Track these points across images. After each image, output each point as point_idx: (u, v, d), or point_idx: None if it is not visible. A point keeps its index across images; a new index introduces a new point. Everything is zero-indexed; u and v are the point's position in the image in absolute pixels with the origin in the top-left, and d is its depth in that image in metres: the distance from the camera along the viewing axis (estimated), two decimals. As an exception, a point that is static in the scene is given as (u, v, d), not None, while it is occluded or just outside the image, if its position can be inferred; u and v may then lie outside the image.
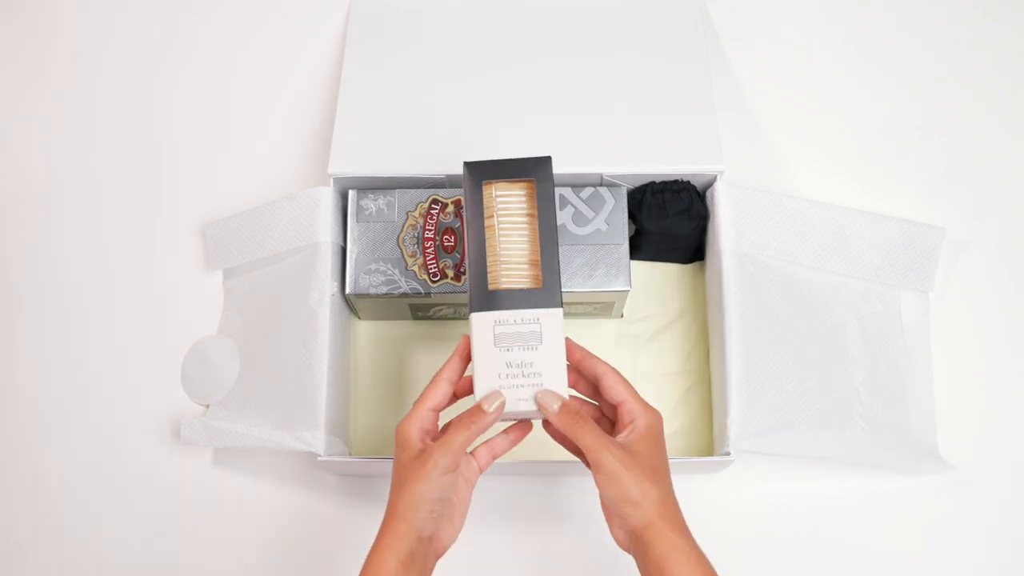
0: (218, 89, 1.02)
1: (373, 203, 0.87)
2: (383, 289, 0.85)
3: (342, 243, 0.88)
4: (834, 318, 0.88)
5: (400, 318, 0.92)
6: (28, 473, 0.91)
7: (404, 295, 0.85)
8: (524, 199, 0.72)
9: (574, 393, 0.72)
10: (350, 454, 0.89)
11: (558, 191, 0.86)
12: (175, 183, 0.99)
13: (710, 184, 0.87)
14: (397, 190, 0.87)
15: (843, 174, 0.97)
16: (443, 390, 0.70)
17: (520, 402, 0.69)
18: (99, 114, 1.01)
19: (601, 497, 0.68)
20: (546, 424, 0.71)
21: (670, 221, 0.87)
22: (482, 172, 0.72)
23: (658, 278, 0.93)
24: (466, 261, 0.71)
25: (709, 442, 0.88)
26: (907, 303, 0.90)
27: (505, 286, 0.71)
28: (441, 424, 0.71)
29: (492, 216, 0.72)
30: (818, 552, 0.86)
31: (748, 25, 1.02)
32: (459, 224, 0.86)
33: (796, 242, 0.88)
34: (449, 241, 0.85)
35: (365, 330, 0.93)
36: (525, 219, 0.72)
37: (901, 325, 0.89)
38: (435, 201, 0.86)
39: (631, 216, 0.89)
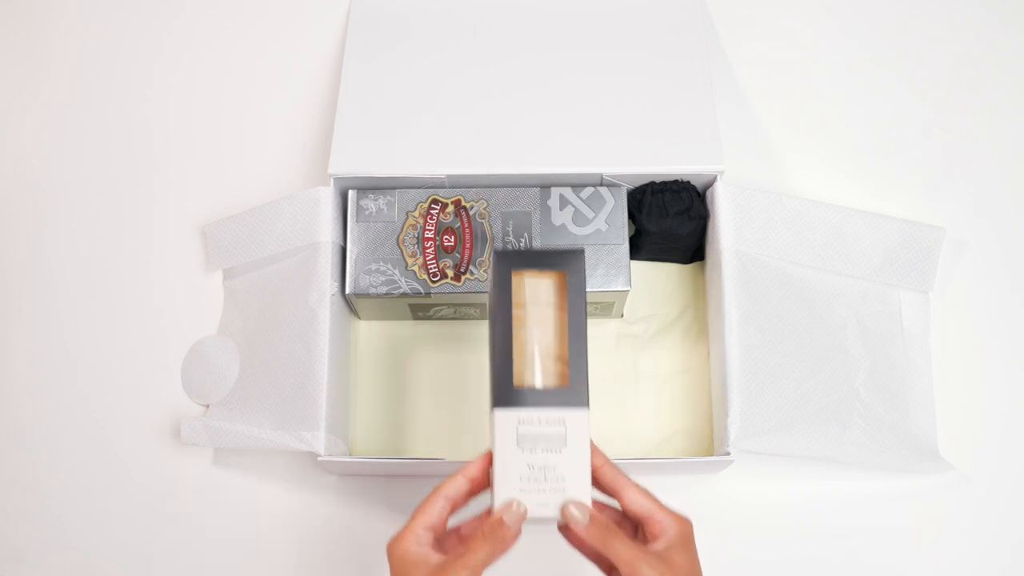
0: (218, 88, 1.02)
1: (373, 203, 0.87)
2: (383, 289, 0.85)
3: (342, 243, 0.88)
4: (834, 318, 0.88)
5: (400, 318, 0.92)
6: (26, 473, 0.91)
7: (404, 295, 0.85)
8: (554, 291, 0.69)
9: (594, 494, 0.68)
10: (350, 454, 0.88)
11: (558, 191, 0.86)
12: (174, 183, 0.98)
13: (710, 184, 0.87)
14: (397, 190, 0.87)
15: (843, 174, 0.97)
16: (440, 507, 0.65)
17: (541, 507, 0.65)
18: (98, 114, 1.01)
19: None
20: (565, 530, 0.67)
21: (670, 221, 0.87)
22: (511, 261, 0.69)
23: (658, 278, 0.93)
24: (489, 351, 0.68)
25: (709, 442, 0.88)
26: (907, 303, 0.90)
27: (529, 383, 0.67)
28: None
29: (521, 306, 0.69)
30: (818, 552, 0.86)
31: (748, 25, 1.02)
32: (459, 224, 0.86)
33: (796, 242, 0.88)
34: (449, 241, 0.85)
35: (365, 330, 0.93)
36: (554, 312, 0.69)
37: (901, 325, 0.89)
38: (435, 201, 0.86)
39: (631, 216, 0.89)
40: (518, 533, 0.64)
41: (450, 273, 0.85)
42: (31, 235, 0.98)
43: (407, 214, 0.86)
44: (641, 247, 0.91)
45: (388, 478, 0.89)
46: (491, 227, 0.86)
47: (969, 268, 0.93)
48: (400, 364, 0.92)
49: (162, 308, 0.94)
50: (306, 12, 1.02)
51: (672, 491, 0.86)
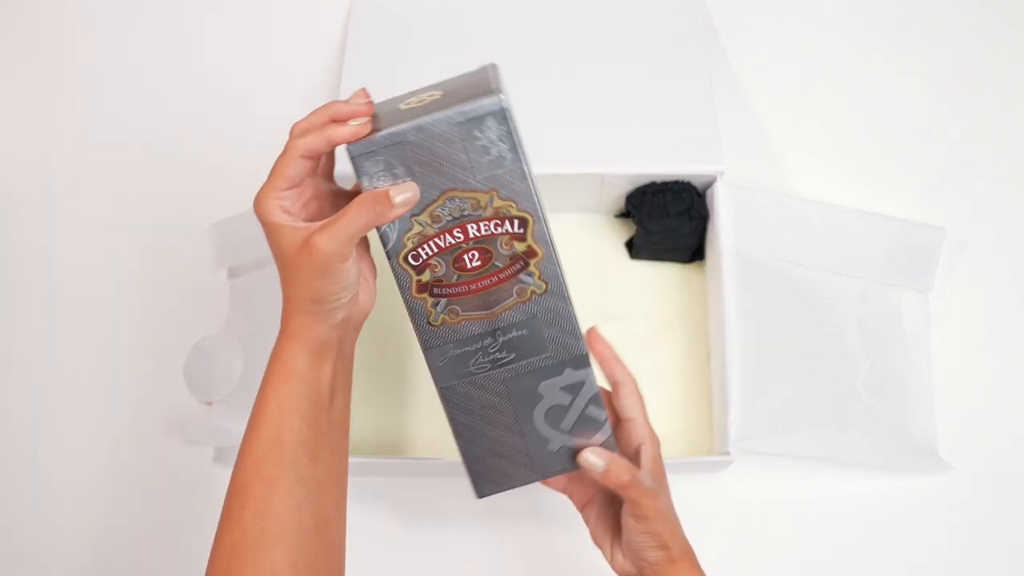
0: (220, 87, 1.02)
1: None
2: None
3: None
4: (834, 318, 0.88)
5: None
6: (29, 471, 0.91)
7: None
8: None
9: None
10: (350, 454, 0.88)
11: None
12: (178, 182, 0.99)
13: (710, 184, 0.88)
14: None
15: (843, 174, 0.97)
16: (298, 167, 0.58)
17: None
18: (101, 114, 1.01)
19: (627, 540, 0.65)
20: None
21: (671, 221, 0.87)
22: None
23: (658, 278, 0.93)
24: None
25: (709, 442, 0.88)
26: (907, 303, 0.90)
27: None
28: None
29: None
30: (818, 552, 0.86)
31: (748, 25, 1.02)
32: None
33: (796, 242, 0.88)
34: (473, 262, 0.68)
35: (365, 330, 0.93)
36: None
37: (901, 325, 0.89)
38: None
39: (631, 216, 0.89)
40: (402, 213, 0.57)
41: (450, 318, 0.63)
42: (36, 234, 0.98)
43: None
44: (642, 247, 0.91)
45: (388, 478, 0.89)
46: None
47: (969, 268, 0.93)
48: (400, 364, 0.92)
49: (167, 307, 0.95)
50: (307, 12, 1.02)
51: (672, 491, 0.86)
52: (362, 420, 0.90)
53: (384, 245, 0.60)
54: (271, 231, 0.57)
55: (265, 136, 0.99)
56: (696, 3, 0.95)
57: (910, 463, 0.86)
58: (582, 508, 0.70)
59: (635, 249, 0.92)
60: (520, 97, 0.91)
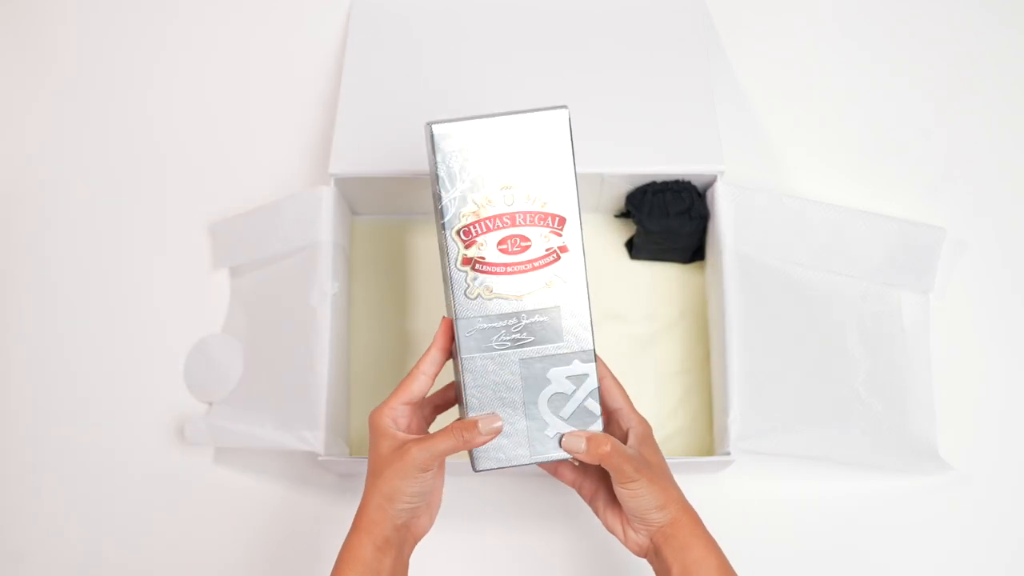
0: (219, 87, 1.02)
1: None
2: None
3: (343, 242, 0.88)
4: (834, 318, 0.88)
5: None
6: (28, 471, 0.91)
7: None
8: None
9: None
10: (350, 454, 0.89)
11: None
12: (176, 182, 0.99)
13: (710, 184, 0.87)
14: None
15: (843, 174, 0.97)
16: (420, 383, 0.69)
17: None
18: (101, 114, 1.01)
19: (627, 509, 0.69)
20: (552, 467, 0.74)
21: (671, 221, 0.87)
22: None
23: (658, 278, 0.93)
24: None
25: (709, 442, 0.88)
26: (907, 303, 0.90)
27: None
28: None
29: None
30: (818, 552, 0.86)
31: (748, 24, 1.01)
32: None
33: (796, 242, 0.88)
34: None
35: (366, 329, 0.93)
36: None
37: (901, 325, 0.89)
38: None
39: (631, 216, 0.89)
40: (486, 443, 0.67)
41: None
42: (36, 234, 0.98)
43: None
44: (642, 247, 0.91)
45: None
46: None
47: (969, 268, 0.93)
48: (400, 365, 0.92)
49: (166, 307, 0.95)
50: (307, 12, 1.02)
51: (672, 491, 0.86)
52: (362, 420, 0.90)
53: (442, 217, 0.66)
54: (377, 434, 0.68)
55: (265, 136, 1.00)
56: (696, 3, 0.95)
57: (909, 463, 0.86)
58: (591, 500, 0.73)
59: (635, 249, 0.92)
60: (520, 95, 0.91)
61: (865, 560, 0.86)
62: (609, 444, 0.67)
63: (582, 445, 0.67)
